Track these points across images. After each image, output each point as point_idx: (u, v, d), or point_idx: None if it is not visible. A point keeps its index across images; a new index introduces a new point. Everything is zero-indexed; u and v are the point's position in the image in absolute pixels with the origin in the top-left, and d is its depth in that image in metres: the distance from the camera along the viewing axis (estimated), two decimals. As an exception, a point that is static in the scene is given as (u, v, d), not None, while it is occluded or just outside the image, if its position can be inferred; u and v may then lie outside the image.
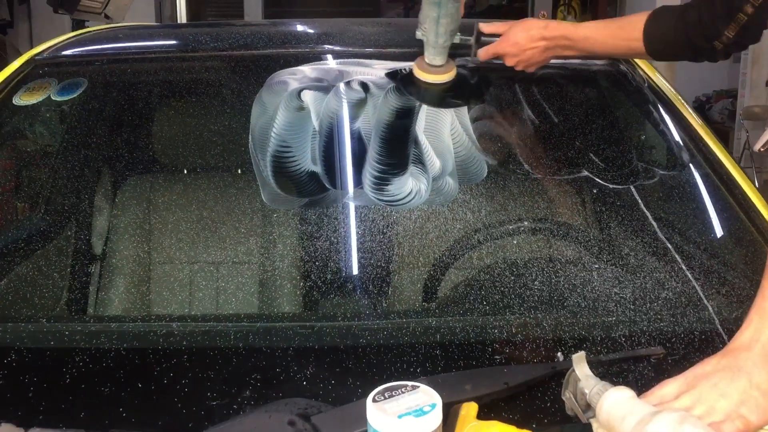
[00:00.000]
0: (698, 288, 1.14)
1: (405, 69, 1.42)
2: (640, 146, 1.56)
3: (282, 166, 1.36)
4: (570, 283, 1.17)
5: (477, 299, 1.16)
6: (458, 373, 0.93)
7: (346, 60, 1.49)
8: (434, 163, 1.35)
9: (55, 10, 4.80)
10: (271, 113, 1.39)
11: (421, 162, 1.34)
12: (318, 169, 1.35)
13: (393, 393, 0.78)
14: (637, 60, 1.58)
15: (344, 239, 1.30)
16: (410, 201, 1.31)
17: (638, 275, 1.20)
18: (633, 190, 1.36)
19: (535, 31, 1.34)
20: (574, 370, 0.84)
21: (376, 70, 1.44)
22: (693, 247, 1.28)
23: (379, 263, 1.27)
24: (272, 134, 1.37)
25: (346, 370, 0.95)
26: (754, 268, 1.18)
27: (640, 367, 0.95)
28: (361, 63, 1.47)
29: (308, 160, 1.36)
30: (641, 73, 1.56)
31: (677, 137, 1.41)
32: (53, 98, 1.48)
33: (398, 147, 1.35)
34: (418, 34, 1.31)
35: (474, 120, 1.42)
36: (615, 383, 0.81)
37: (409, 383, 0.79)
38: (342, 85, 1.41)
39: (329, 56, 1.53)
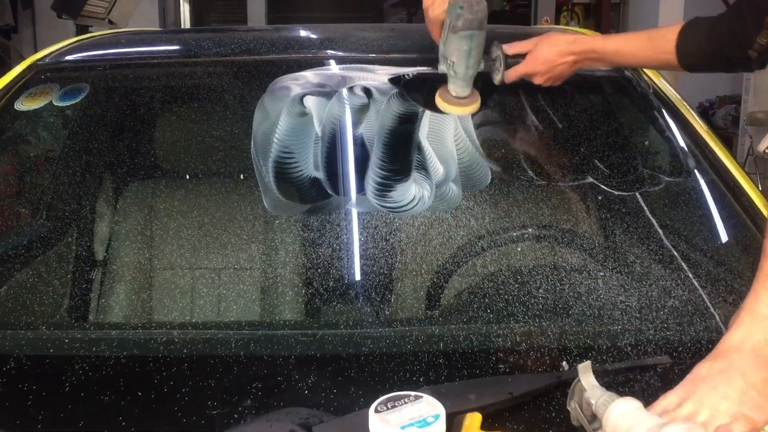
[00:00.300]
0: (705, 296, 1.13)
1: (408, 74, 1.41)
2: (645, 152, 1.55)
3: (284, 172, 1.35)
4: (575, 291, 1.16)
5: (481, 307, 1.15)
6: (462, 383, 0.92)
7: (348, 65, 1.49)
8: (437, 169, 1.34)
9: (59, 15, 4.82)
10: (273, 119, 1.39)
11: (424, 168, 1.33)
12: (320, 175, 1.34)
13: (396, 403, 0.77)
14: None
15: (347, 246, 1.29)
16: (413, 207, 1.30)
17: (644, 283, 1.19)
18: (638, 196, 1.35)
19: (563, 46, 1.31)
20: (579, 380, 0.83)
21: (379, 76, 1.44)
22: (699, 254, 1.27)
23: (381, 270, 1.26)
24: (274, 140, 1.37)
25: (348, 379, 0.94)
26: (761, 275, 1.16)
27: (646, 376, 0.94)
28: (364, 68, 1.46)
29: (311, 166, 1.35)
30: (646, 78, 1.55)
31: (683, 143, 1.40)
32: (55, 104, 1.47)
33: (401, 153, 1.34)
34: (443, 69, 1.26)
35: (477, 126, 1.41)
36: (621, 393, 0.81)
37: (412, 393, 0.79)
38: (345, 91, 1.40)
39: (332, 62, 1.52)
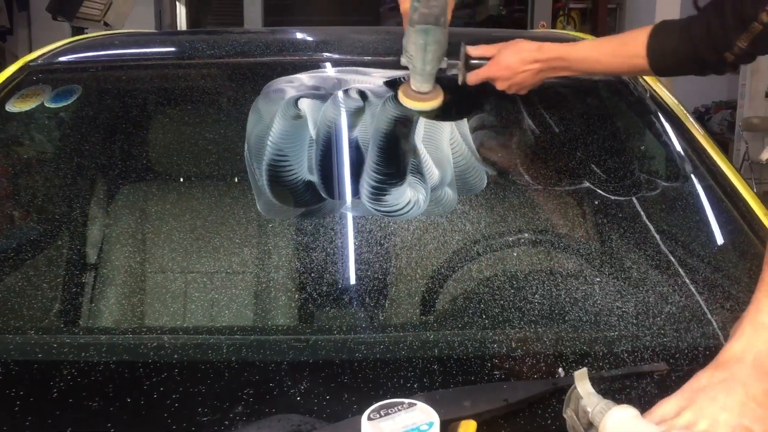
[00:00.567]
0: (702, 302, 1.12)
1: (404, 78, 1.40)
2: (642, 157, 1.54)
3: (278, 176, 1.34)
4: (571, 296, 1.15)
5: (476, 313, 1.14)
6: (456, 390, 0.91)
7: (344, 68, 1.48)
8: (433, 173, 1.33)
9: (54, 17, 4.81)
10: (267, 122, 1.37)
11: (419, 172, 1.32)
12: (315, 178, 1.33)
13: (389, 410, 0.76)
14: (638, 70, 1.56)
15: (341, 250, 1.28)
16: (408, 212, 1.29)
17: (641, 289, 1.18)
18: (635, 201, 1.34)
19: (527, 53, 1.29)
20: (576, 388, 0.82)
21: (374, 79, 1.43)
22: (696, 260, 1.26)
23: (376, 275, 1.25)
24: (268, 143, 1.35)
25: (341, 386, 0.93)
26: (759, 281, 1.16)
27: (643, 384, 0.93)
28: (360, 71, 1.46)
29: (305, 170, 1.34)
30: (643, 83, 1.54)
31: (680, 148, 1.40)
32: (47, 105, 1.46)
33: (396, 157, 1.33)
34: (403, 61, 1.27)
35: (473, 130, 1.40)
36: (617, 401, 0.80)
37: (406, 400, 0.78)
38: (340, 94, 1.39)
39: (327, 64, 1.51)
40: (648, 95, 1.51)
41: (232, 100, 1.54)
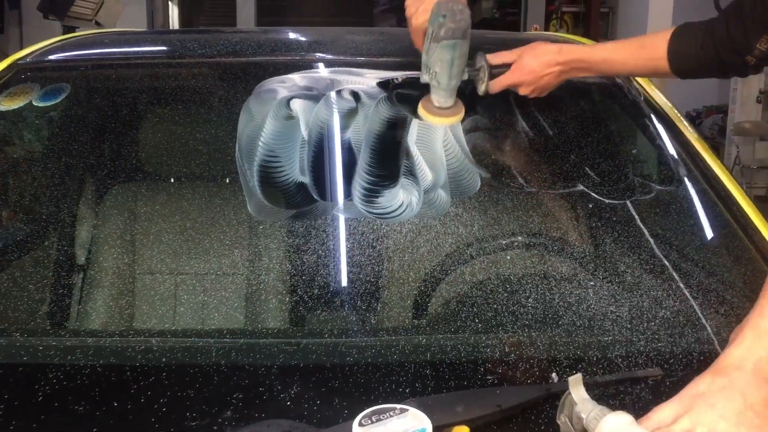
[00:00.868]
0: (696, 307, 1.12)
1: (397, 78, 1.39)
2: (636, 160, 1.54)
3: (269, 177, 1.32)
4: (565, 300, 1.14)
5: (469, 316, 1.13)
6: (449, 395, 0.90)
7: (337, 69, 1.46)
8: (426, 175, 1.32)
9: (46, 16, 4.78)
10: (259, 122, 1.36)
11: (412, 174, 1.31)
12: (306, 179, 1.32)
13: (380, 416, 0.75)
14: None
15: (333, 253, 1.27)
16: (401, 214, 1.27)
17: (635, 293, 1.18)
18: (629, 205, 1.33)
19: (549, 56, 1.29)
20: (570, 393, 0.81)
21: (367, 80, 1.42)
22: (690, 264, 1.26)
23: (368, 278, 1.23)
24: (260, 144, 1.34)
25: (331, 390, 0.91)
26: (753, 286, 1.15)
27: (637, 389, 0.93)
28: (352, 72, 1.44)
29: (296, 171, 1.33)
30: (637, 86, 1.54)
31: (673, 151, 1.39)
32: (35, 104, 1.44)
33: (389, 158, 1.32)
34: (425, 78, 1.23)
35: (467, 132, 1.39)
36: (612, 406, 0.79)
37: (398, 406, 0.77)
38: (332, 94, 1.38)
39: (320, 65, 1.50)
40: (642, 98, 1.51)
41: (223, 100, 1.52)
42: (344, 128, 1.35)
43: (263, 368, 0.96)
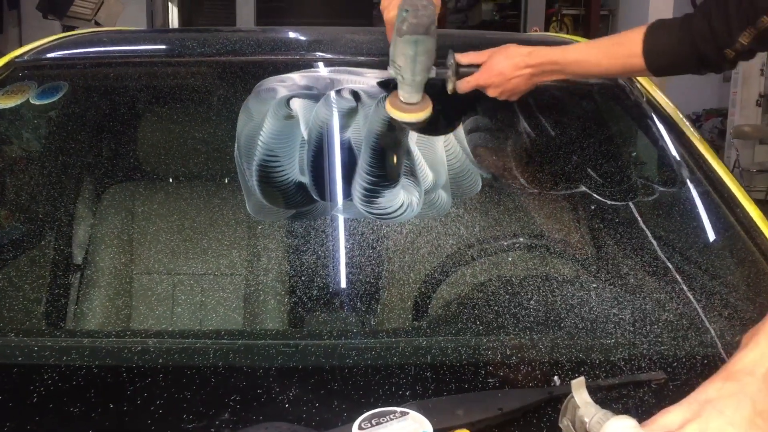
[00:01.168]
0: (699, 310, 1.11)
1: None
2: (638, 162, 1.53)
3: (269, 176, 1.31)
4: (567, 302, 1.13)
5: (470, 318, 1.12)
6: (450, 398, 0.89)
7: (337, 68, 1.45)
8: (427, 175, 1.31)
9: (45, 16, 4.78)
10: (258, 121, 1.35)
11: (413, 174, 1.30)
12: (306, 179, 1.31)
13: (381, 420, 0.74)
14: (635, 73, 1.55)
15: (332, 253, 1.26)
16: (401, 214, 1.26)
17: (638, 296, 1.17)
18: (632, 206, 1.32)
19: (519, 58, 1.26)
20: (572, 397, 0.80)
21: (367, 79, 1.41)
22: (694, 267, 1.24)
23: (368, 279, 1.22)
24: (259, 143, 1.33)
25: (331, 393, 0.90)
26: (757, 289, 1.15)
27: (640, 392, 0.91)
28: (353, 71, 1.43)
29: (296, 171, 1.32)
30: (639, 87, 1.53)
31: (676, 153, 1.38)
32: (32, 102, 1.43)
33: (390, 158, 1.31)
34: (391, 72, 1.23)
35: (468, 132, 1.38)
36: (615, 410, 0.78)
37: (398, 409, 0.76)
38: (332, 94, 1.37)
39: (320, 64, 1.49)
40: (644, 99, 1.50)
41: (222, 99, 1.51)
42: (344, 128, 1.34)
43: (261, 370, 0.95)
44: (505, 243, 1.30)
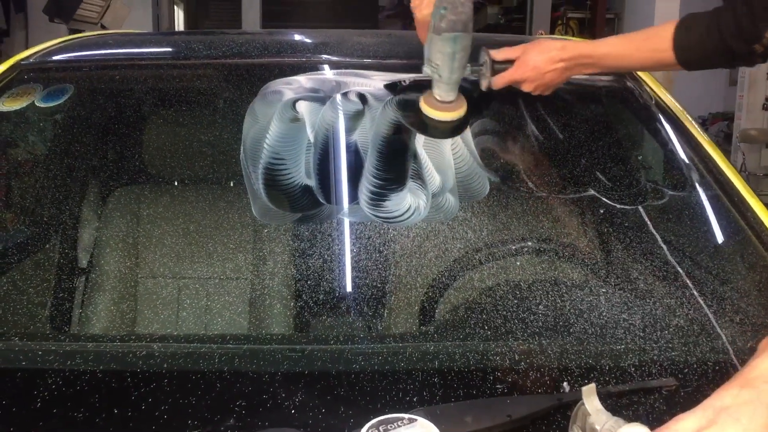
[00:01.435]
0: (710, 315, 1.09)
1: (404, 81, 1.37)
2: (647, 165, 1.51)
3: (274, 179, 1.30)
4: (576, 307, 1.12)
5: (478, 323, 1.11)
6: (458, 404, 0.88)
7: (343, 71, 1.45)
8: (434, 178, 1.30)
9: (51, 19, 4.79)
10: (264, 124, 1.34)
11: (420, 177, 1.29)
12: (312, 182, 1.30)
13: (388, 426, 0.73)
14: (643, 76, 1.54)
15: (338, 257, 1.25)
16: (408, 218, 1.25)
17: (648, 301, 1.15)
18: (641, 210, 1.31)
19: (553, 52, 1.27)
20: (583, 404, 0.79)
21: (374, 82, 1.40)
22: (704, 271, 1.23)
23: (374, 283, 1.21)
24: (265, 146, 1.32)
25: (337, 398, 0.89)
26: (768, 294, 1.13)
27: (651, 399, 0.90)
28: (359, 74, 1.42)
29: (302, 174, 1.31)
30: (648, 89, 1.52)
31: (685, 156, 1.37)
32: (37, 104, 1.43)
33: (396, 161, 1.30)
34: (427, 71, 1.23)
35: (476, 135, 1.37)
36: (626, 417, 0.76)
37: (406, 416, 0.75)
38: (339, 96, 1.36)
39: (326, 66, 1.48)
40: (653, 101, 1.49)
41: (228, 102, 1.51)
42: (351, 131, 1.33)
43: (267, 375, 0.94)
44: (513, 247, 1.29)
